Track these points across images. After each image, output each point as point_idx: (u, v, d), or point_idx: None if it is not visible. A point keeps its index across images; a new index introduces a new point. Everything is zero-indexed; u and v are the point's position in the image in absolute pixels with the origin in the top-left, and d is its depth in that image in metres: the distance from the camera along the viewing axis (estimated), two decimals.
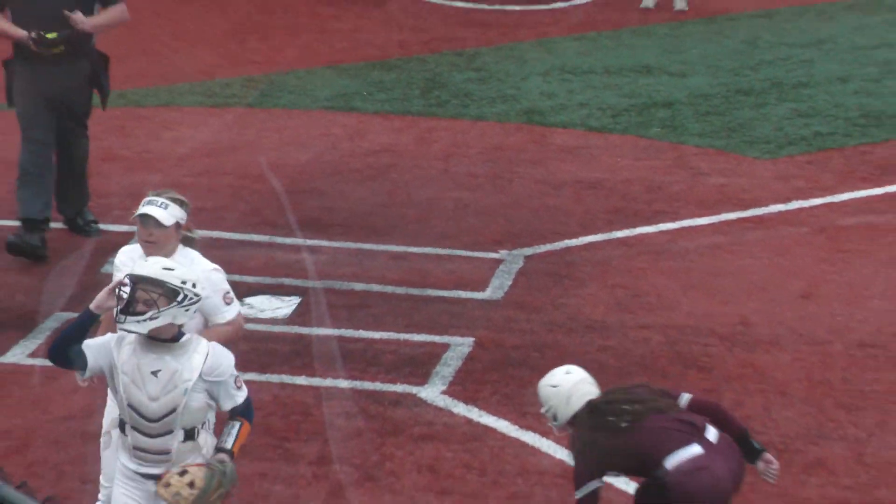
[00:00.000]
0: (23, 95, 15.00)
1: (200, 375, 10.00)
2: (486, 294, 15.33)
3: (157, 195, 11.18)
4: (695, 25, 22.42)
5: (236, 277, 15.73)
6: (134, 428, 10.10)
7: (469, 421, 14.02)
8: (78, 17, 14.94)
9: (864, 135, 19.41)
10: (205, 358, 10.08)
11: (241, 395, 10.15)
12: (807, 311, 15.98)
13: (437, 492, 13.17)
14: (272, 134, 19.36)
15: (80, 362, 10.29)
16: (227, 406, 10.11)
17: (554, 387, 12.20)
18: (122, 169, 16.81)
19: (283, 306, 16.01)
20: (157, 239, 10.92)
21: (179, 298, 10.00)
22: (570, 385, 12.26)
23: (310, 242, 17.10)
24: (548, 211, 17.37)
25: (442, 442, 13.77)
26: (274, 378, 14.71)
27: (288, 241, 17.17)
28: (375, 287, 15.90)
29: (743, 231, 17.46)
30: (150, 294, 9.88)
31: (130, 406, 10.12)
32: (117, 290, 10.09)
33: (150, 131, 18.12)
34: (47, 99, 14.98)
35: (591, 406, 12.01)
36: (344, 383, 14.66)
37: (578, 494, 12.08)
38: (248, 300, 15.87)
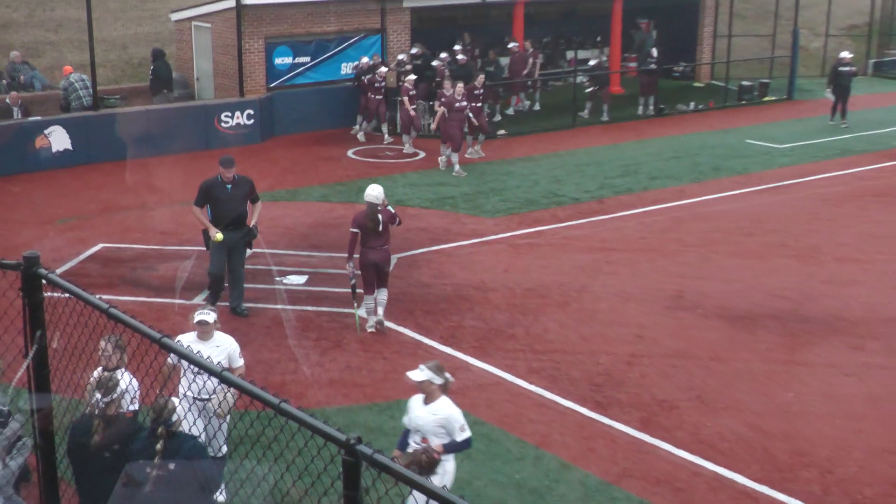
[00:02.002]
0: (216, 243, 13.86)
1: None
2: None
3: (204, 308, 10.11)
4: (464, 168, 22.29)
5: (285, 268, 16.13)
6: None
7: (380, 322, 13.84)
8: (253, 226, 13.97)
9: (527, 208, 19.41)
10: None
11: None
12: (506, 276, 16.07)
13: (366, 352, 13.14)
14: (296, 211, 18.97)
15: None
16: None
17: (366, 190, 13.42)
18: None
19: (302, 279, 15.75)
20: (208, 330, 9.66)
21: None
22: (369, 193, 13.35)
23: (312, 253, 16.95)
24: (404, 240, 17.25)
25: (365, 333, 13.75)
26: (299, 308, 14.59)
27: (304, 253, 16.92)
28: (339, 271, 15.76)
29: (483, 247, 17.43)
30: None
31: None
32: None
33: None
34: (228, 246, 13.92)
35: (369, 204, 13.30)
36: (326, 309, 14.63)
37: (351, 230, 13.47)
38: (288, 277, 15.71)
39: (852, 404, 11.89)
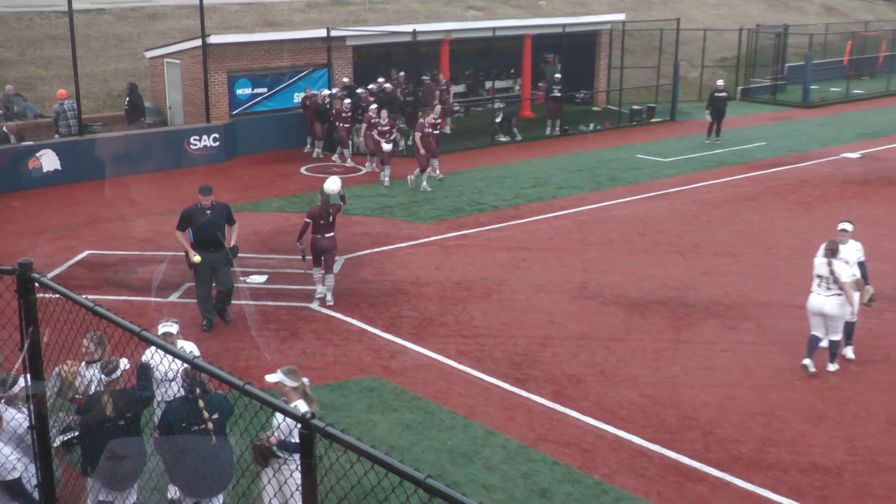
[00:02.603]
0: (198, 264, 13.16)
1: None
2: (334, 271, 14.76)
3: (168, 320, 9.17)
4: (393, 182, 22.13)
5: (248, 269, 15.91)
6: None
7: (330, 317, 13.83)
8: (230, 244, 13.22)
9: (454, 215, 19.24)
10: None
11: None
12: (439, 273, 15.99)
13: (319, 340, 12.97)
14: (256, 220, 18.62)
15: None
16: None
17: (325, 184, 13.92)
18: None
19: (262, 278, 15.52)
20: (171, 341, 8.82)
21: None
22: (328, 186, 13.91)
23: (271, 256, 16.71)
24: (349, 244, 17.09)
25: (318, 323, 13.63)
26: (260, 303, 14.40)
27: (264, 256, 16.68)
28: (296, 271, 15.59)
29: (417, 248, 17.33)
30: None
31: None
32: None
33: None
34: (210, 266, 13.23)
35: (323, 194, 13.83)
36: (284, 304, 14.43)
37: (305, 219, 14.07)
38: (250, 276, 15.47)
39: (729, 375, 12.06)
